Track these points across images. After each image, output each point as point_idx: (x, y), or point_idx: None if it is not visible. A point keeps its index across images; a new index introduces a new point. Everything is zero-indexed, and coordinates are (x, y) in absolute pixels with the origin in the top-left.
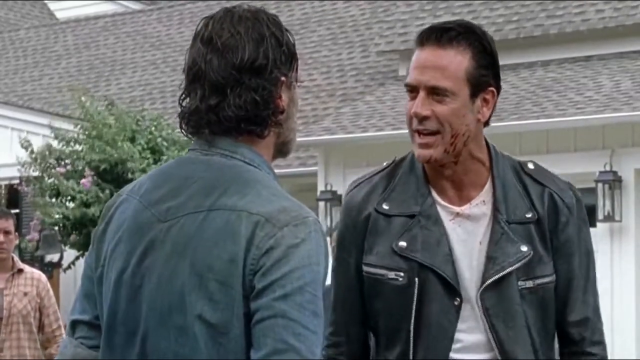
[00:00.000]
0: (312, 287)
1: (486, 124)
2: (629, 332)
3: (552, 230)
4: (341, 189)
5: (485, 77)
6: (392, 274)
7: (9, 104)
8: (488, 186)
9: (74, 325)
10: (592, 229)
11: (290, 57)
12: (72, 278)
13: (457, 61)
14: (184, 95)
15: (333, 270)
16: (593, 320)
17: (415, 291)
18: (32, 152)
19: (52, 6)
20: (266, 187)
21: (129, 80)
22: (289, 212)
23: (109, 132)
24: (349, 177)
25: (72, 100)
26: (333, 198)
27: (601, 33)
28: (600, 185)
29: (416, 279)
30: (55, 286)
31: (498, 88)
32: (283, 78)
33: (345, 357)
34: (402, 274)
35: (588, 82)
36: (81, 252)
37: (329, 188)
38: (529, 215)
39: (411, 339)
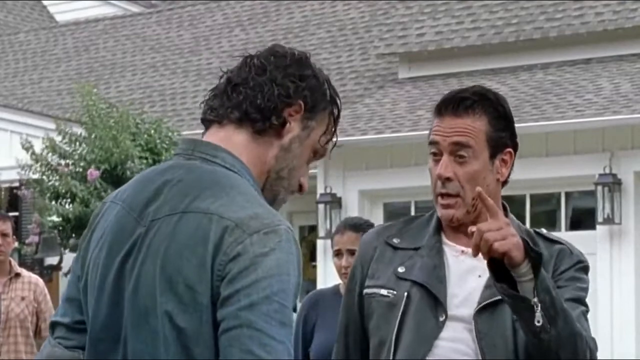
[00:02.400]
0: (280, 296)
1: (505, 182)
2: (628, 335)
3: (554, 273)
4: (340, 192)
5: (503, 139)
6: (384, 291)
7: (8, 107)
8: None
9: (53, 326)
10: (591, 232)
11: (321, 104)
12: None
13: (475, 126)
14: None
15: (342, 301)
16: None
17: (402, 305)
18: (33, 153)
19: (52, 9)
20: (242, 194)
21: (129, 83)
22: (260, 219)
23: (110, 132)
24: (349, 180)
25: (78, 97)
26: (333, 201)
27: (600, 36)
28: (599, 187)
29: (405, 294)
30: (55, 289)
31: (515, 147)
32: (301, 101)
33: None
34: (394, 292)
35: (587, 85)
36: None
37: (328, 191)
38: None
39: (392, 348)
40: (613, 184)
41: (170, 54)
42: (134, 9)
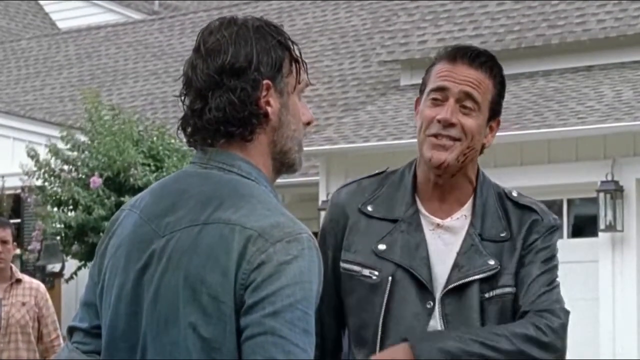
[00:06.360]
0: (303, 304)
1: (481, 151)
2: (630, 342)
3: (524, 245)
4: None
5: (500, 106)
6: (366, 271)
7: (10, 114)
8: (470, 204)
9: (71, 331)
10: (594, 239)
11: (278, 63)
12: (74, 288)
13: (486, 84)
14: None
15: None
16: (548, 306)
17: (387, 289)
18: (37, 160)
19: (54, 16)
20: (261, 202)
21: (131, 90)
22: (282, 228)
23: (113, 139)
24: None
25: (81, 104)
26: None
27: (602, 43)
28: (601, 195)
29: (390, 278)
30: (57, 296)
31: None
32: (266, 81)
33: (317, 350)
34: (376, 272)
35: (589, 92)
36: (83, 262)
37: (330, 198)
38: (502, 235)
39: (379, 334)
40: (615, 191)
41: (172, 61)
42: (136, 16)
